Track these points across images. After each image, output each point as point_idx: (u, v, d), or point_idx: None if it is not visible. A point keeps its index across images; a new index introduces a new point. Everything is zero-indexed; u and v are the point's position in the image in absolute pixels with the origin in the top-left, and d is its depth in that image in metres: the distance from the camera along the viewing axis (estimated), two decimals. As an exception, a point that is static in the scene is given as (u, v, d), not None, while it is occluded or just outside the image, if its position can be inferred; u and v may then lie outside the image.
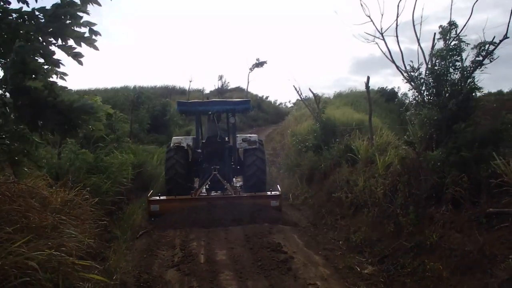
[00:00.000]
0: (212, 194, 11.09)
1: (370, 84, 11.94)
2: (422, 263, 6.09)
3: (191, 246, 7.81)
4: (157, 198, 10.23)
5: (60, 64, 4.02)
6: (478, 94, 8.08)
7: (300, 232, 8.90)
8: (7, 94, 3.83)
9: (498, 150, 6.42)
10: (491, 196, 6.00)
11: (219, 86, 37.07)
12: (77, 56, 4.02)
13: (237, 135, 11.98)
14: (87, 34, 3.99)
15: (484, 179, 6.19)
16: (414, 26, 9.30)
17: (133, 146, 13.14)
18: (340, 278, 6.38)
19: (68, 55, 3.98)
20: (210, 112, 11.90)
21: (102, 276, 5.18)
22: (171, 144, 11.58)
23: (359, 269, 6.75)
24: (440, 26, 8.59)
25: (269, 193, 10.65)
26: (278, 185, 11.58)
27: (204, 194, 10.82)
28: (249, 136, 11.95)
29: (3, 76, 3.73)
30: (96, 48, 4.06)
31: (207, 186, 11.07)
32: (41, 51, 3.87)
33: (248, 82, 37.40)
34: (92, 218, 6.28)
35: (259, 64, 37.43)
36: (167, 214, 9.72)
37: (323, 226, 9.52)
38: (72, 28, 3.89)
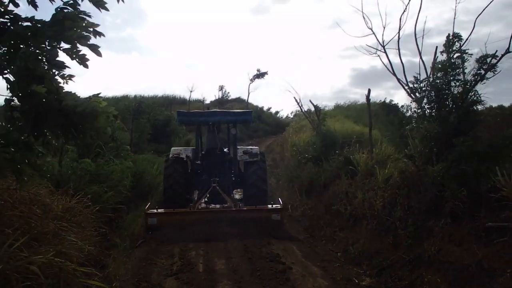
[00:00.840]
0: (211, 207, 10.77)
1: (371, 97, 12.03)
2: (420, 276, 6.11)
3: (190, 255, 7.82)
4: (155, 211, 9.85)
5: (65, 67, 4.04)
6: (480, 108, 8.11)
7: (298, 243, 8.91)
8: (16, 100, 3.87)
9: (498, 164, 6.44)
10: (491, 210, 6.03)
11: (220, 97, 37.25)
12: (82, 60, 4.06)
13: (238, 146, 11.65)
14: (91, 41, 4.03)
15: (484, 193, 6.23)
16: (416, 39, 9.37)
17: (133, 155, 13.14)
18: (338, 290, 6.38)
19: (73, 58, 4.01)
20: (211, 123, 11.58)
21: (102, 283, 5.20)
22: (170, 155, 11.32)
23: (357, 281, 6.75)
24: (447, 37, 8.63)
25: (270, 206, 10.24)
26: (279, 198, 11.15)
27: (203, 207, 10.52)
28: (251, 148, 11.64)
29: (11, 82, 3.78)
30: (99, 54, 4.10)
31: (206, 198, 10.71)
32: (46, 56, 3.91)
33: (248, 93, 37.61)
34: (93, 225, 6.31)
35: (260, 75, 37.64)
36: (165, 228, 9.42)
37: (321, 238, 9.53)
38: (75, 29, 3.93)
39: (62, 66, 4.07)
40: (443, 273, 5.82)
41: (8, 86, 3.88)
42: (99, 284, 4.89)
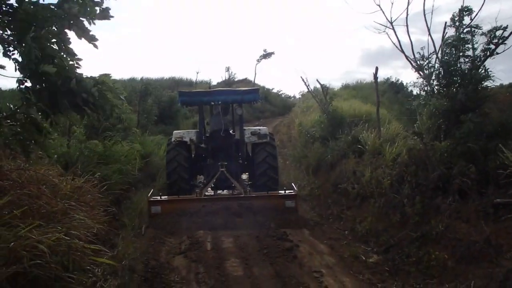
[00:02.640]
0: (218, 193, 10.13)
1: (378, 76, 11.92)
2: (427, 252, 6.12)
3: (198, 235, 7.87)
4: (158, 198, 9.08)
5: (74, 54, 4.07)
6: (490, 85, 7.98)
7: (306, 222, 8.93)
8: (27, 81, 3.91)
9: (507, 142, 6.38)
10: (499, 187, 6.00)
11: (226, 78, 37.09)
12: (92, 40, 4.07)
13: (245, 127, 10.88)
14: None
15: (492, 170, 6.18)
16: (425, 15, 9.27)
17: (140, 137, 13.18)
18: (345, 266, 6.43)
19: (81, 38, 4.02)
20: (214, 103, 10.59)
21: (111, 261, 5.28)
22: (172, 139, 10.45)
23: (364, 258, 6.79)
24: (454, 13, 8.44)
25: (283, 192, 9.43)
26: (293, 184, 10.33)
27: (210, 194, 9.92)
28: (259, 129, 10.76)
29: (21, 62, 3.79)
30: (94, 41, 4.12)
31: (212, 184, 10.02)
32: (57, 37, 3.93)
33: (255, 74, 37.42)
34: (101, 205, 6.36)
35: (266, 55, 37.43)
36: (169, 216, 8.71)
37: (329, 217, 9.58)
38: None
39: (72, 53, 4.10)
40: (450, 250, 5.84)
41: (17, 67, 3.90)
42: (109, 262, 4.95)
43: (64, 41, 3.95)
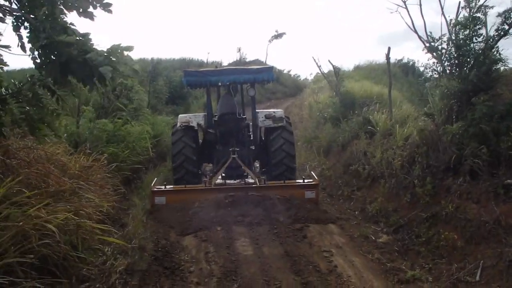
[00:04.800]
0: (228, 182, 9.06)
1: (391, 57, 11.72)
2: (437, 232, 6.14)
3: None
4: (163, 188, 8.28)
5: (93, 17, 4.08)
6: (502, 67, 7.83)
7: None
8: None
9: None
10: (510, 168, 5.91)
11: (237, 59, 36.85)
12: (105, 6, 4.05)
13: (257, 110, 9.97)
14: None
15: (504, 151, 6.08)
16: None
17: (151, 117, 13.19)
18: (354, 246, 6.44)
19: (96, 7, 4.00)
20: (223, 83, 9.70)
21: (121, 241, 5.33)
22: (178, 124, 9.45)
23: (374, 238, 6.80)
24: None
25: (301, 181, 8.60)
26: (312, 172, 9.62)
27: (220, 183, 8.93)
28: (274, 112, 9.65)
29: (31, 33, 3.79)
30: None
31: (223, 173, 9.25)
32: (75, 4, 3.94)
33: (266, 54, 37.15)
34: (110, 185, 6.40)
35: (278, 35, 37.08)
36: (174, 208, 7.86)
37: (339, 197, 9.59)
38: None
39: (91, 16, 4.08)
40: (460, 230, 5.82)
41: (28, 38, 3.91)
42: (118, 241, 5.00)
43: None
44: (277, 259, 5.83)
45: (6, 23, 4.04)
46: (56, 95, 4.00)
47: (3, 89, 3.86)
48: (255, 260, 5.84)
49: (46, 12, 3.70)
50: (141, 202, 7.93)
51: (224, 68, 11.18)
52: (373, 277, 5.32)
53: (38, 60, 3.96)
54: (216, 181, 8.82)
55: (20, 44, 4.03)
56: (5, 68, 4.35)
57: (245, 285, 5.11)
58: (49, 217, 3.66)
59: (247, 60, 35.82)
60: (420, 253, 6.08)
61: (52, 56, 3.87)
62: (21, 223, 3.44)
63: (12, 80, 4.03)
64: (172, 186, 8.59)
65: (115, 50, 4.01)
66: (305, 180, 8.53)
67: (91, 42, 4.05)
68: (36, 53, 3.93)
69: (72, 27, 4.10)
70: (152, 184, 8.40)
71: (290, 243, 6.40)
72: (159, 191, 8.17)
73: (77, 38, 3.99)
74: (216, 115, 10.07)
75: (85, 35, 4.06)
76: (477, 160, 6.23)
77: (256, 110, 9.92)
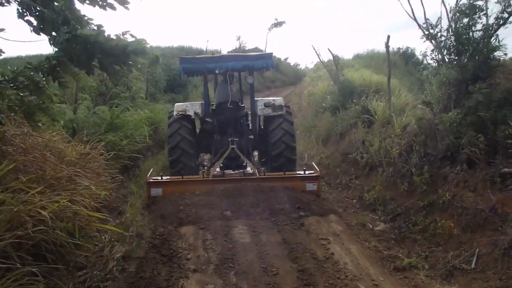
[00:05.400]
0: (227, 173, 8.81)
1: (390, 45, 11.64)
2: (433, 221, 6.19)
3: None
4: (159, 179, 8.00)
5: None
6: (501, 54, 7.80)
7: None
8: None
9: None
10: (507, 157, 5.92)
11: (237, 47, 36.68)
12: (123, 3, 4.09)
13: (256, 98, 9.61)
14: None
15: (501, 139, 6.09)
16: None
17: (149, 104, 13.15)
18: (352, 234, 6.48)
19: None
20: (220, 71, 9.16)
21: (118, 228, 5.35)
22: (174, 113, 9.06)
23: (371, 226, 6.86)
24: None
25: (302, 172, 8.26)
26: (313, 163, 9.32)
27: (218, 174, 8.75)
28: (273, 100, 9.33)
29: (45, 24, 3.83)
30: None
31: (221, 163, 9.05)
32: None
33: (266, 43, 36.94)
34: (108, 172, 6.40)
35: (278, 24, 36.84)
36: (170, 201, 7.55)
37: (337, 186, 9.62)
38: None
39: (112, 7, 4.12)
40: (456, 218, 5.86)
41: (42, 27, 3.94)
42: (115, 229, 5.02)
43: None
44: (274, 247, 5.84)
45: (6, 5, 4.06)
46: (58, 80, 4.02)
47: (-1, 75, 3.87)
48: (252, 247, 5.86)
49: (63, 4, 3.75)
50: (139, 190, 7.93)
51: (222, 55, 10.75)
52: (369, 265, 5.35)
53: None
54: (215, 172, 8.62)
55: (32, 29, 4.05)
56: (2, 56, 4.37)
57: (242, 272, 5.13)
58: (44, 203, 3.66)
59: (247, 48, 35.64)
60: (417, 241, 6.14)
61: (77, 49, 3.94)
62: (16, 209, 3.44)
63: (9, 67, 4.02)
64: (168, 177, 8.31)
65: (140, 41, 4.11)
66: (306, 172, 8.19)
67: (106, 34, 4.11)
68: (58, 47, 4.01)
69: (86, 18, 4.15)
70: (148, 175, 8.14)
71: (287, 231, 6.41)
72: (155, 182, 7.89)
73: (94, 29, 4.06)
74: (213, 103, 9.75)
75: (99, 27, 4.12)
76: (474, 148, 6.24)
77: (255, 98, 9.54)
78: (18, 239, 3.35)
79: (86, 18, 4.05)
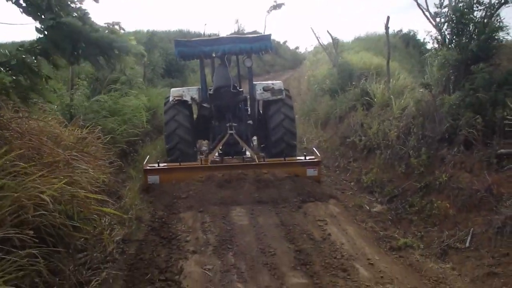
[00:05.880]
0: (226, 160, 8.82)
1: (390, 27, 11.56)
2: (430, 202, 6.26)
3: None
4: (156, 166, 7.82)
5: None
6: (503, 35, 7.75)
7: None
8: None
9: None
10: (504, 138, 5.98)
11: (235, 30, 36.44)
12: None
13: (255, 82, 9.27)
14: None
15: (499, 121, 6.12)
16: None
17: (147, 90, 13.12)
18: (349, 215, 6.54)
19: None
20: (217, 54, 8.83)
21: (117, 211, 5.40)
22: (170, 98, 8.82)
23: (368, 208, 6.94)
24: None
25: (302, 158, 8.12)
26: (314, 148, 8.98)
27: (217, 160, 8.65)
28: (272, 83, 9.07)
29: (30, 6, 3.84)
30: None
31: (219, 150, 8.82)
32: None
33: (265, 26, 36.69)
34: (106, 157, 6.43)
35: (277, 6, 36.50)
36: (167, 188, 7.47)
37: (335, 168, 9.67)
38: None
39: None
40: (452, 199, 5.94)
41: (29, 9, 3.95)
42: (114, 212, 5.07)
43: None
44: (271, 229, 5.91)
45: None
46: (51, 61, 4.05)
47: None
48: (250, 229, 5.93)
49: None
50: (137, 174, 7.97)
51: (219, 37, 10.15)
52: (365, 245, 5.43)
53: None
54: (213, 158, 8.45)
55: (22, 11, 4.05)
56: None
57: (240, 252, 5.21)
58: (44, 187, 3.70)
59: (245, 31, 35.43)
60: (413, 222, 6.23)
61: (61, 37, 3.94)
62: (16, 194, 3.48)
63: (0, 51, 4.03)
64: (166, 164, 8.16)
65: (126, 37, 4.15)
66: (307, 157, 8.01)
67: (92, 20, 4.11)
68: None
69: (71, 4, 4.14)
70: (144, 162, 7.94)
71: (285, 213, 6.47)
72: (152, 170, 7.73)
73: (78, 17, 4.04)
74: (211, 88, 9.50)
75: (85, 14, 4.11)
76: (472, 130, 6.27)
77: (254, 82, 9.21)
78: (19, 222, 3.40)
79: (71, 4, 4.05)
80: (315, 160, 7.97)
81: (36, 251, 3.41)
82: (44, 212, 3.62)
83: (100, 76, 10.37)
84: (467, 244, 5.14)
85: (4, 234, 3.26)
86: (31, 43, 4.02)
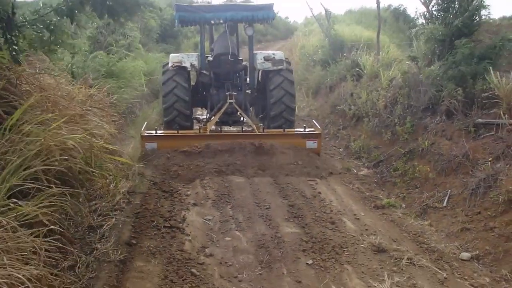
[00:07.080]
0: (224, 129, 8.66)
1: (381, 1, 11.85)
2: (412, 166, 6.77)
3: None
4: (154, 133, 7.77)
5: None
6: (486, 14, 8.15)
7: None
8: None
9: (494, 65, 6.75)
10: (482, 108, 6.46)
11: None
12: None
13: (255, 51, 9.11)
14: None
15: (478, 92, 6.59)
16: None
17: (144, 53, 13.31)
18: (337, 177, 7.03)
19: None
20: (218, 21, 8.85)
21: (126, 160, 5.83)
22: (169, 64, 8.62)
23: (355, 171, 7.43)
24: None
25: (302, 130, 8.10)
26: (314, 120, 9.11)
27: (215, 129, 8.44)
28: (273, 53, 8.83)
29: None
30: None
31: (218, 119, 8.56)
32: None
33: (258, -5, 36.14)
34: (113, 113, 6.77)
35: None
36: (165, 156, 7.37)
37: (325, 135, 10.06)
38: None
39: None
40: (433, 164, 6.44)
41: None
42: (125, 160, 5.51)
43: None
44: (266, 186, 6.38)
45: None
46: (76, 22, 4.35)
47: (20, 17, 4.17)
48: (246, 186, 6.38)
49: None
50: (137, 134, 8.30)
51: (221, 4, 9.95)
52: (352, 202, 5.94)
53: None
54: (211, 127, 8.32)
55: None
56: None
57: (238, 206, 5.67)
58: (68, 136, 4.07)
59: (238, 1, 35.25)
60: (396, 184, 6.76)
61: None
62: (43, 139, 3.85)
63: (28, 10, 4.30)
64: (163, 131, 8.14)
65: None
66: (306, 129, 8.02)
67: None
68: None
69: None
70: (142, 129, 7.89)
71: (279, 175, 6.87)
72: (149, 137, 7.68)
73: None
74: (208, 56, 9.34)
75: None
76: (453, 101, 6.73)
77: (254, 52, 9.03)
78: (46, 165, 3.78)
79: None
80: (316, 132, 7.96)
81: (60, 190, 3.80)
82: (66, 157, 4.01)
83: (99, 39, 10.55)
84: (444, 204, 5.66)
85: (33, 173, 3.64)
86: (58, 4, 4.30)
